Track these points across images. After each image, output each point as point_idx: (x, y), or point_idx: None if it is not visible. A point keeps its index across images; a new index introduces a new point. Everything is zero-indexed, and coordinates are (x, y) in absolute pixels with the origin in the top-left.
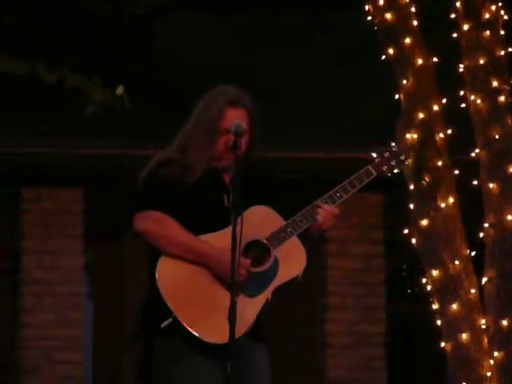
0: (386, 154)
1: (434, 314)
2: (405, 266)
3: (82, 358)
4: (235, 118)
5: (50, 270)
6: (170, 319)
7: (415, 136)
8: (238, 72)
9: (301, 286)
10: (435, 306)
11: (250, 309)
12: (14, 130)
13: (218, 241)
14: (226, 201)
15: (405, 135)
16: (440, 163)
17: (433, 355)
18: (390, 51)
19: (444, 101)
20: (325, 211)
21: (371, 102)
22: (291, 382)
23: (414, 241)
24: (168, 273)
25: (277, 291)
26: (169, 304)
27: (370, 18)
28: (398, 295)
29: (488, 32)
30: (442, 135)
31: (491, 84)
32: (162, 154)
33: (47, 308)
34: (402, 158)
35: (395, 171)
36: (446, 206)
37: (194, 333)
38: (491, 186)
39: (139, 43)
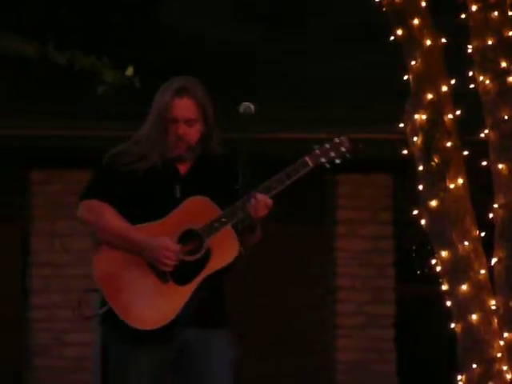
0: (326, 146)
1: (443, 296)
2: (414, 248)
3: (92, 339)
4: (181, 107)
5: (59, 252)
6: (107, 306)
7: (424, 117)
8: (241, 49)
9: (310, 267)
10: (445, 287)
11: (178, 296)
12: (25, 112)
13: (156, 229)
14: (178, 192)
15: (413, 116)
16: (449, 144)
17: (442, 336)
18: (399, 32)
19: (453, 82)
20: (257, 201)
21: (379, 83)
22: (301, 363)
23: (423, 222)
24: (103, 261)
25: (213, 278)
26: (102, 292)
27: None
28: (408, 276)
29: (496, 13)
30: (450, 116)
31: (500, 65)
32: (121, 145)
33: (56, 290)
34: (343, 149)
35: (336, 162)
36: (455, 187)
37: (124, 319)
38: (500, 166)
39: (147, 22)
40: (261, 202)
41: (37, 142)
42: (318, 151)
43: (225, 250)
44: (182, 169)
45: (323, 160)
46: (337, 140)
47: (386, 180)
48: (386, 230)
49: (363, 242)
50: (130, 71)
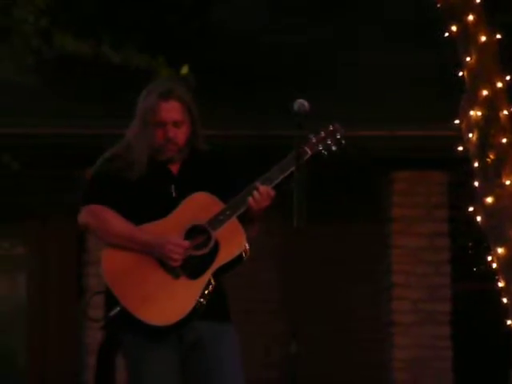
0: (322, 134)
1: (499, 292)
2: (470, 245)
3: None
4: (168, 110)
5: None
6: (118, 308)
7: (479, 113)
8: (300, 51)
9: (365, 264)
10: (501, 284)
11: (191, 291)
12: (83, 112)
13: (160, 227)
14: (173, 191)
15: (469, 112)
16: (504, 140)
17: (499, 333)
18: (453, 28)
19: (508, 78)
20: (259, 193)
21: (433, 79)
22: (358, 361)
23: (478, 219)
24: (112, 262)
25: (221, 271)
26: (114, 292)
27: None
28: (464, 274)
29: None
30: (506, 112)
31: None
32: (111, 149)
33: None
34: (338, 136)
35: (333, 149)
36: (510, 183)
37: (139, 317)
38: None
39: (201, 22)
40: (263, 193)
41: (92, 141)
42: (314, 139)
43: (232, 242)
44: (174, 169)
45: (320, 148)
46: (331, 127)
47: (442, 177)
48: (441, 227)
49: (419, 240)
50: (184, 70)
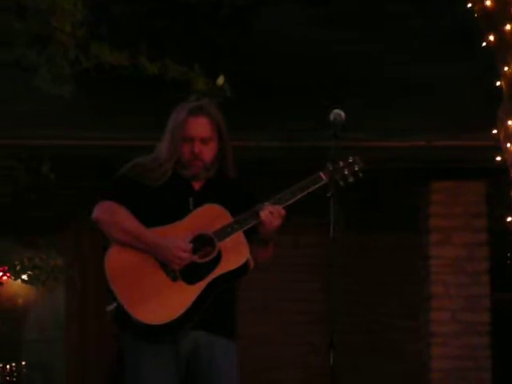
0: (341, 164)
1: None
2: (508, 254)
3: None
4: (197, 126)
5: None
6: (115, 304)
7: None
8: (336, 61)
9: (404, 275)
10: None
11: (186, 294)
12: (119, 123)
13: (168, 231)
14: (191, 204)
15: (506, 122)
16: None
17: None
18: (491, 38)
19: None
20: (270, 211)
21: (471, 89)
22: (396, 371)
23: None
24: (115, 259)
25: (223, 281)
26: (112, 287)
27: (469, 5)
28: (503, 284)
29: None
30: None
31: None
32: (138, 158)
33: None
34: (356, 168)
35: (349, 180)
36: None
37: (132, 314)
38: None
39: (238, 34)
40: (274, 212)
41: (129, 153)
42: (331, 168)
43: (235, 254)
44: (196, 185)
45: (337, 177)
46: (350, 159)
47: (480, 187)
48: (480, 237)
49: (457, 250)
50: (220, 80)
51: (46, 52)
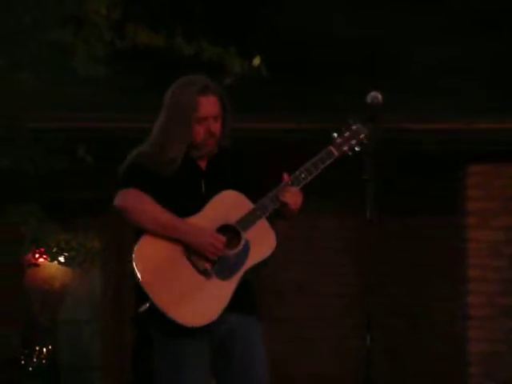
0: (347, 134)
1: None
2: None
3: None
4: (209, 104)
5: None
6: (147, 304)
7: None
8: (374, 43)
9: (441, 258)
10: None
11: (222, 292)
12: (151, 105)
13: (200, 221)
14: (203, 187)
15: None
16: None
17: None
18: None
19: None
20: (289, 192)
21: (507, 71)
22: (433, 354)
23: None
24: (145, 259)
25: (250, 271)
26: (144, 289)
27: None
28: None
29: None
30: None
31: None
32: (142, 148)
33: None
34: (362, 136)
35: (356, 149)
36: None
37: (171, 317)
38: None
39: (274, 14)
40: (292, 192)
41: None
42: (339, 140)
43: (263, 243)
44: (202, 164)
45: (345, 148)
46: (354, 127)
47: None
48: None
49: (495, 233)
50: (256, 61)
51: (81, 34)
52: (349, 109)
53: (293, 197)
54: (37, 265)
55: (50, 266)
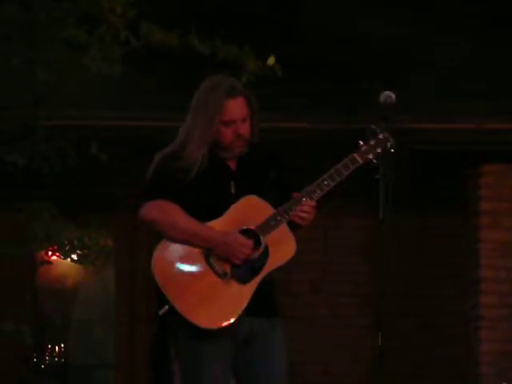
0: (372, 142)
1: None
2: None
3: None
4: (237, 107)
5: None
6: (167, 307)
7: None
8: (388, 42)
9: (453, 258)
10: None
11: (241, 295)
12: (167, 105)
13: (221, 225)
14: (232, 188)
15: None
16: None
17: None
18: None
19: None
20: (302, 211)
21: None
22: (444, 353)
23: None
24: (165, 260)
25: (270, 275)
26: (164, 292)
27: None
28: None
29: None
30: None
31: None
32: (167, 149)
33: None
34: (388, 145)
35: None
36: None
37: (191, 320)
38: None
39: (287, 14)
40: (307, 210)
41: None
42: (365, 147)
43: (282, 248)
44: (232, 165)
45: (370, 156)
46: (381, 136)
47: None
48: None
49: (507, 233)
50: (271, 61)
51: (96, 32)
52: (362, 108)
53: (304, 215)
54: (49, 262)
55: (63, 264)
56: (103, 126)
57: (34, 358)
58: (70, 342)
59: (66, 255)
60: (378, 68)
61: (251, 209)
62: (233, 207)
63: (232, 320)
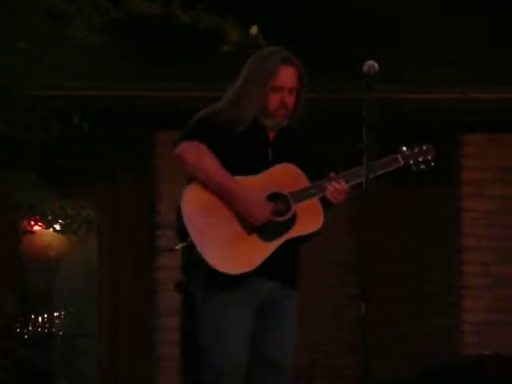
0: (416, 150)
1: None
2: None
3: None
4: (288, 75)
5: None
6: (185, 243)
7: None
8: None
9: (436, 228)
10: None
11: (259, 251)
12: (150, 74)
13: (246, 183)
14: (270, 154)
15: None
16: None
17: None
18: None
19: None
20: (335, 188)
21: (506, 41)
22: (429, 323)
23: None
24: (194, 197)
25: (294, 242)
26: (188, 225)
27: None
28: None
29: None
30: None
31: None
32: (217, 104)
33: None
34: (430, 157)
35: (421, 167)
36: None
37: (205, 257)
38: None
39: None
40: (340, 189)
41: (162, 103)
42: (408, 152)
43: (310, 220)
44: (271, 135)
45: (411, 161)
46: (425, 147)
47: None
48: None
49: (490, 202)
50: (254, 30)
51: (76, 2)
52: (345, 77)
53: (336, 192)
54: (32, 232)
55: (46, 234)
56: (86, 96)
57: (18, 328)
58: (54, 313)
59: (49, 225)
60: (361, 37)
61: (288, 176)
62: (270, 170)
63: (243, 271)
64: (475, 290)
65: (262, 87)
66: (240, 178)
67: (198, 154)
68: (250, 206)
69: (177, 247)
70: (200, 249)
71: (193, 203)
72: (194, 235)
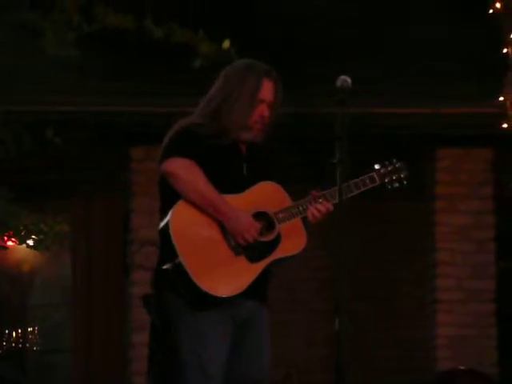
0: (390, 168)
1: None
2: None
3: None
4: (269, 89)
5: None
6: (173, 262)
7: None
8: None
9: (410, 242)
10: None
11: (248, 272)
12: (123, 89)
13: (232, 202)
14: (244, 170)
15: None
16: None
17: None
18: (497, 5)
19: None
20: (317, 209)
21: (478, 56)
22: (401, 338)
23: None
24: (181, 218)
25: (274, 264)
26: (176, 246)
27: None
28: (508, 251)
29: None
30: None
31: None
32: (191, 117)
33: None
34: (403, 175)
35: (395, 186)
36: None
37: (195, 281)
38: None
39: None
40: (322, 209)
41: (137, 119)
42: (383, 170)
43: (294, 240)
44: (243, 148)
45: (387, 180)
46: (398, 164)
47: (486, 154)
48: (486, 205)
49: (463, 217)
50: (226, 44)
51: (49, 17)
52: (318, 93)
53: (317, 213)
54: (5, 248)
55: (19, 250)
56: (59, 111)
57: None
58: (28, 328)
59: (22, 241)
60: (336, 51)
61: (271, 194)
62: (254, 188)
63: (235, 293)
64: (448, 304)
65: (249, 100)
66: (226, 196)
67: (189, 173)
68: (240, 226)
69: (164, 267)
70: (190, 272)
71: (180, 222)
72: (184, 258)
